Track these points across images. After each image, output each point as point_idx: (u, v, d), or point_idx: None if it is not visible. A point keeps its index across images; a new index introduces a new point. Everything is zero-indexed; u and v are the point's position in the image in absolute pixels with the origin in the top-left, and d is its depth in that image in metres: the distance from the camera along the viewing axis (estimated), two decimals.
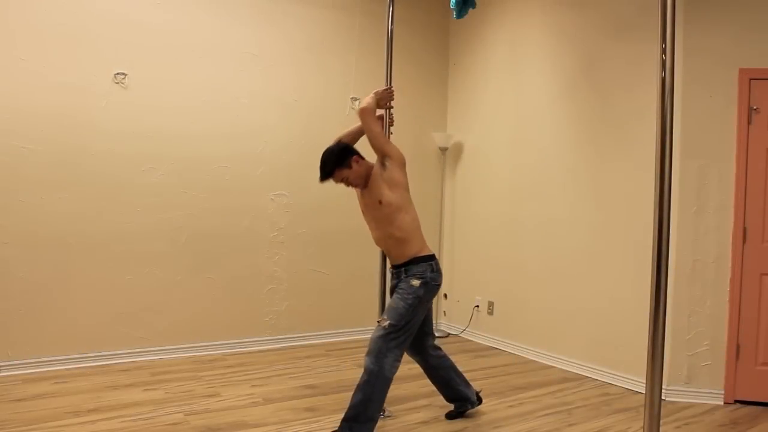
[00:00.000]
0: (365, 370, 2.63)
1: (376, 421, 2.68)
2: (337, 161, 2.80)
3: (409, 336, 2.74)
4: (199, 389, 3.42)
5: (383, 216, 2.81)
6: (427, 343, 3.02)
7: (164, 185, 4.01)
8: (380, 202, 2.79)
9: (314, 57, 4.56)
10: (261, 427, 2.90)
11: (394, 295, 2.78)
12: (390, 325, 2.66)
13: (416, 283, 2.73)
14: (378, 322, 2.74)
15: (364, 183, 2.87)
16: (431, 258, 2.83)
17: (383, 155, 2.81)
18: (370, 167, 2.87)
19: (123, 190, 3.88)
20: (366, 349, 2.68)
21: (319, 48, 4.57)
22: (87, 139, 3.75)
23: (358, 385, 2.64)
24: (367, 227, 2.96)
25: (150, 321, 3.98)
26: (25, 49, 3.56)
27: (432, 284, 2.78)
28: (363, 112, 2.83)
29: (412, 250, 2.80)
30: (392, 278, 2.90)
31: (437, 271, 2.82)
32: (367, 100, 2.89)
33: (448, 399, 3.12)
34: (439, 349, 3.08)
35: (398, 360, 2.68)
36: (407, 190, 2.85)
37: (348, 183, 2.85)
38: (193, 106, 4.09)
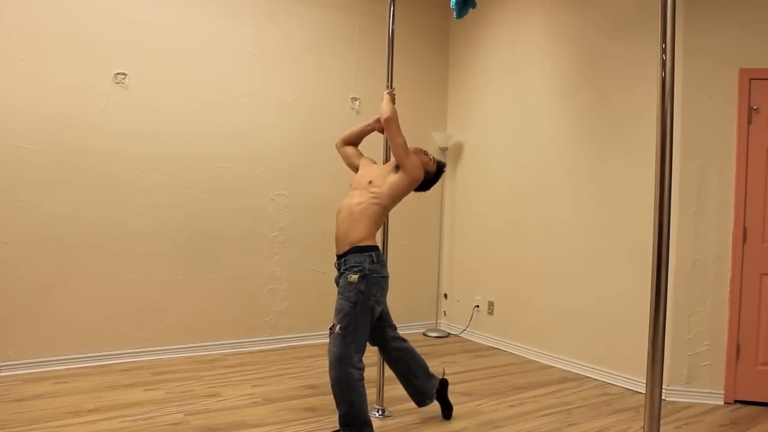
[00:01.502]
0: (335, 380, 2.60)
1: (370, 422, 2.66)
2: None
3: (364, 332, 2.65)
4: (199, 389, 3.42)
5: (361, 188, 2.77)
6: (387, 335, 2.95)
7: (164, 185, 4.01)
8: (370, 182, 2.77)
9: (314, 57, 4.56)
10: (261, 427, 2.90)
11: (337, 296, 2.69)
12: (340, 328, 2.61)
13: (354, 278, 2.61)
14: (329, 329, 2.67)
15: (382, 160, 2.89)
16: (372, 249, 2.68)
17: (401, 167, 2.81)
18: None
19: (123, 190, 3.88)
20: (328, 358, 2.64)
21: (319, 48, 4.57)
22: (87, 139, 3.75)
23: (336, 397, 2.61)
24: None
25: (150, 321, 3.98)
26: (25, 48, 3.56)
27: (374, 276, 2.64)
28: (389, 122, 2.78)
29: (357, 235, 2.67)
30: (336, 274, 2.80)
31: (378, 263, 2.67)
32: (391, 107, 2.83)
33: (408, 393, 3.03)
34: (404, 341, 2.99)
35: (361, 357, 2.63)
36: (394, 201, 2.81)
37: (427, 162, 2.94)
38: (194, 106, 4.09)
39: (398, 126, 2.80)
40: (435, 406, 3.23)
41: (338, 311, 2.64)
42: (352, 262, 2.65)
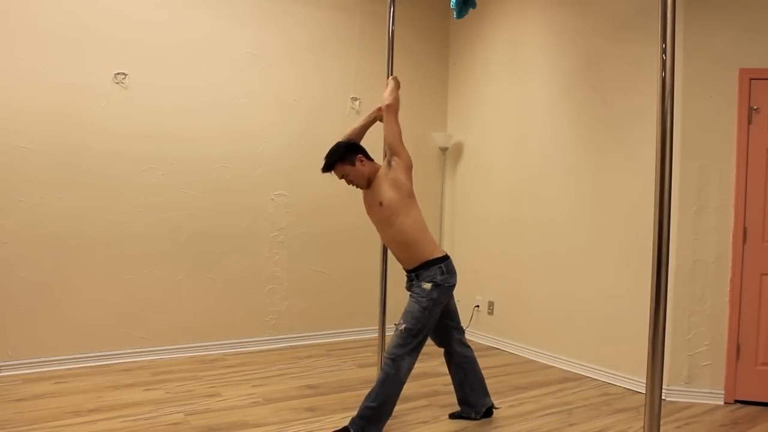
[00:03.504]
0: (383, 372, 2.68)
1: (386, 422, 2.73)
2: (341, 156, 2.81)
3: (424, 338, 2.76)
4: (199, 389, 3.42)
5: (384, 218, 2.82)
6: (453, 337, 3.03)
7: (164, 185, 4.01)
8: (380, 204, 2.79)
9: (314, 57, 4.56)
10: (261, 427, 2.90)
11: (410, 299, 2.81)
12: (405, 329, 2.71)
13: (428, 286, 2.76)
14: (395, 325, 2.78)
15: (366, 184, 2.87)
16: (441, 260, 2.81)
17: (393, 154, 2.82)
18: (375, 169, 2.87)
19: (123, 190, 3.88)
20: (385, 352, 2.74)
21: (319, 48, 4.57)
22: (87, 139, 3.75)
23: (374, 387, 2.67)
24: (369, 227, 2.97)
25: (150, 321, 3.98)
26: (25, 48, 3.56)
27: (445, 286, 2.79)
28: (390, 109, 2.83)
29: (420, 254, 2.80)
30: (406, 281, 2.94)
31: (449, 272, 2.82)
32: (395, 95, 2.87)
33: (457, 399, 3.11)
34: (468, 347, 3.06)
35: (413, 363, 2.73)
36: (411, 194, 2.84)
37: (348, 180, 2.85)
38: (194, 106, 4.09)
39: (397, 114, 2.84)
40: (435, 407, 3.24)
41: (408, 312, 2.76)
42: (425, 276, 2.78)
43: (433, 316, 2.78)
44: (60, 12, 3.64)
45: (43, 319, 3.66)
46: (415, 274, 2.83)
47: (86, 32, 3.72)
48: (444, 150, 5.08)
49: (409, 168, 2.83)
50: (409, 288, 2.90)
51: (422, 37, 5.09)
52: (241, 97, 4.26)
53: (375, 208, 2.84)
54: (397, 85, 2.97)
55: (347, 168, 2.81)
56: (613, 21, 3.85)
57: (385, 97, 2.87)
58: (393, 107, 2.84)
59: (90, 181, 3.77)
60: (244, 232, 4.31)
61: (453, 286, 2.85)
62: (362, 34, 4.75)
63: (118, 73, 3.83)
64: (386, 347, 2.76)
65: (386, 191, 2.78)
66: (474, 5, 3.46)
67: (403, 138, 2.87)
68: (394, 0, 3.23)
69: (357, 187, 2.89)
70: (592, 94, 3.98)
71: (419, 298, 2.75)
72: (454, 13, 3.45)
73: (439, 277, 2.77)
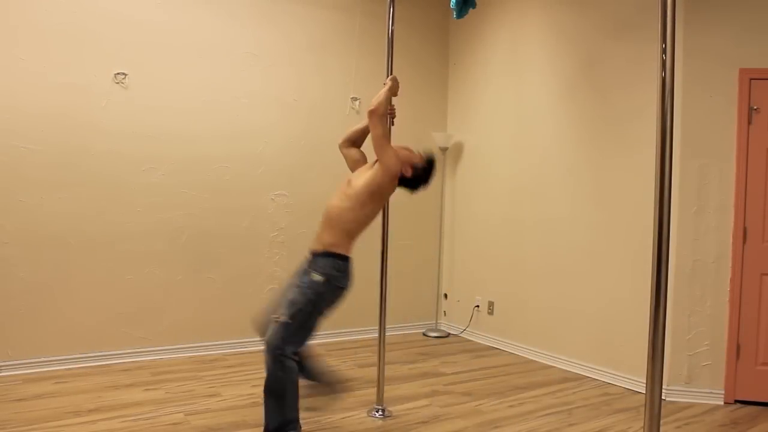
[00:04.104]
0: (272, 374, 2.49)
1: (299, 421, 2.57)
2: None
3: (307, 332, 2.59)
4: (199, 389, 3.42)
5: (342, 193, 2.75)
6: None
7: (164, 185, 4.01)
8: (349, 182, 2.75)
9: (314, 57, 4.56)
10: (261, 427, 2.89)
11: (292, 288, 2.64)
12: (288, 318, 2.52)
13: (319, 279, 2.58)
14: (274, 319, 2.58)
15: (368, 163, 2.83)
16: (341, 258, 2.66)
17: (376, 157, 2.75)
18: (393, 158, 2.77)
19: (123, 190, 3.88)
20: (264, 350, 2.53)
21: (319, 48, 4.57)
22: (87, 139, 3.75)
23: (266, 392, 2.52)
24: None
25: (150, 321, 3.98)
26: (25, 48, 3.56)
27: (334, 284, 2.61)
28: (370, 114, 2.74)
29: (330, 240, 2.66)
30: (302, 263, 2.75)
31: (344, 273, 2.65)
32: (380, 101, 2.78)
33: (309, 381, 2.85)
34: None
35: (296, 352, 2.54)
36: (380, 199, 2.74)
37: (410, 167, 2.79)
38: (194, 106, 4.09)
39: (380, 119, 2.73)
40: (435, 407, 3.24)
41: (291, 303, 2.56)
42: (320, 264, 2.63)
43: (319, 312, 2.60)
44: (60, 12, 3.64)
45: (43, 319, 3.66)
46: (314, 258, 2.67)
47: (86, 32, 3.73)
48: (444, 150, 5.08)
49: (387, 172, 2.69)
50: (297, 273, 2.73)
51: (422, 36, 5.09)
52: (241, 97, 4.26)
53: (344, 182, 2.80)
54: (391, 89, 2.90)
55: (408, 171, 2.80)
56: (613, 21, 3.85)
57: (372, 102, 2.81)
58: (375, 111, 2.74)
59: (90, 181, 3.77)
60: (244, 232, 4.31)
61: (342, 290, 2.67)
62: (362, 34, 4.75)
63: (118, 73, 3.83)
64: (265, 344, 2.54)
65: (360, 180, 2.73)
66: (474, 5, 3.46)
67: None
68: (394, 0, 3.22)
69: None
70: (592, 94, 3.98)
71: (305, 290, 2.57)
72: (454, 13, 3.45)
73: (333, 273, 2.60)
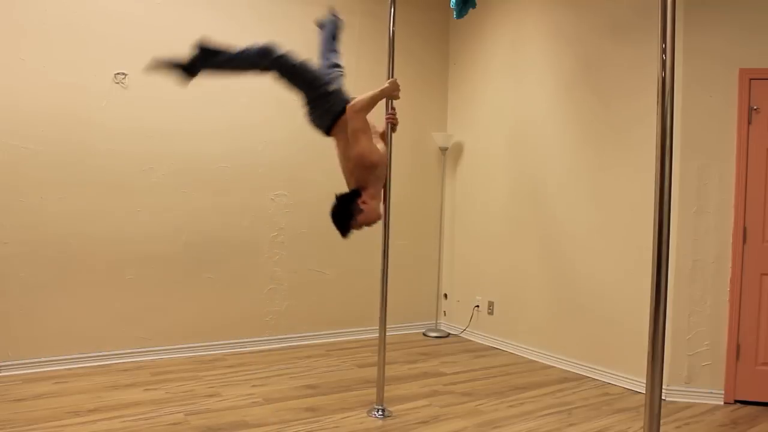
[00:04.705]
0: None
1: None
2: (346, 219, 2.91)
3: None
4: (199, 389, 3.42)
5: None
6: None
7: (164, 185, 4.01)
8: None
9: (314, 57, 4.55)
10: (261, 427, 2.90)
11: None
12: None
13: None
14: None
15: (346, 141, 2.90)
16: None
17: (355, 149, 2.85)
18: (371, 150, 2.86)
19: (123, 190, 3.88)
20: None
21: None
22: (87, 139, 3.75)
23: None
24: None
25: (150, 321, 3.98)
26: (26, 48, 3.56)
27: None
28: (348, 110, 2.83)
29: None
30: None
31: None
32: (366, 99, 2.84)
33: None
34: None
35: None
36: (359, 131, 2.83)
37: (366, 219, 2.88)
38: (193, 106, 4.09)
39: (356, 114, 2.82)
40: (435, 407, 3.24)
41: None
42: None
43: None
44: (60, 12, 3.64)
45: (42, 319, 3.66)
46: None
47: (86, 32, 3.72)
48: (444, 150, 5.08)
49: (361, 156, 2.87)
50: None
51: (422, 37, 5.09)
52: (241, 97, 4.26)
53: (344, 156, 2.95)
54: (384, 91, 2.92)
55: (359, 218, 2.88)
56: (613, 21, 3.85)
57: (360, 97, 2.86)
58: (352, 107, 2.83)
59: (90, 180, 3.77)
60: (244, 232, 4.31)
61: None
62: (362, 34, 4.75)
63: (118, 73, 3.83)
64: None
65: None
66: (474, 5, 3.46)
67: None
68: (394, 0, 3.22)
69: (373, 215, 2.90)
70: (591, 94, 3.98)
71: None
72: (454, 13, 3.45)
73: None
